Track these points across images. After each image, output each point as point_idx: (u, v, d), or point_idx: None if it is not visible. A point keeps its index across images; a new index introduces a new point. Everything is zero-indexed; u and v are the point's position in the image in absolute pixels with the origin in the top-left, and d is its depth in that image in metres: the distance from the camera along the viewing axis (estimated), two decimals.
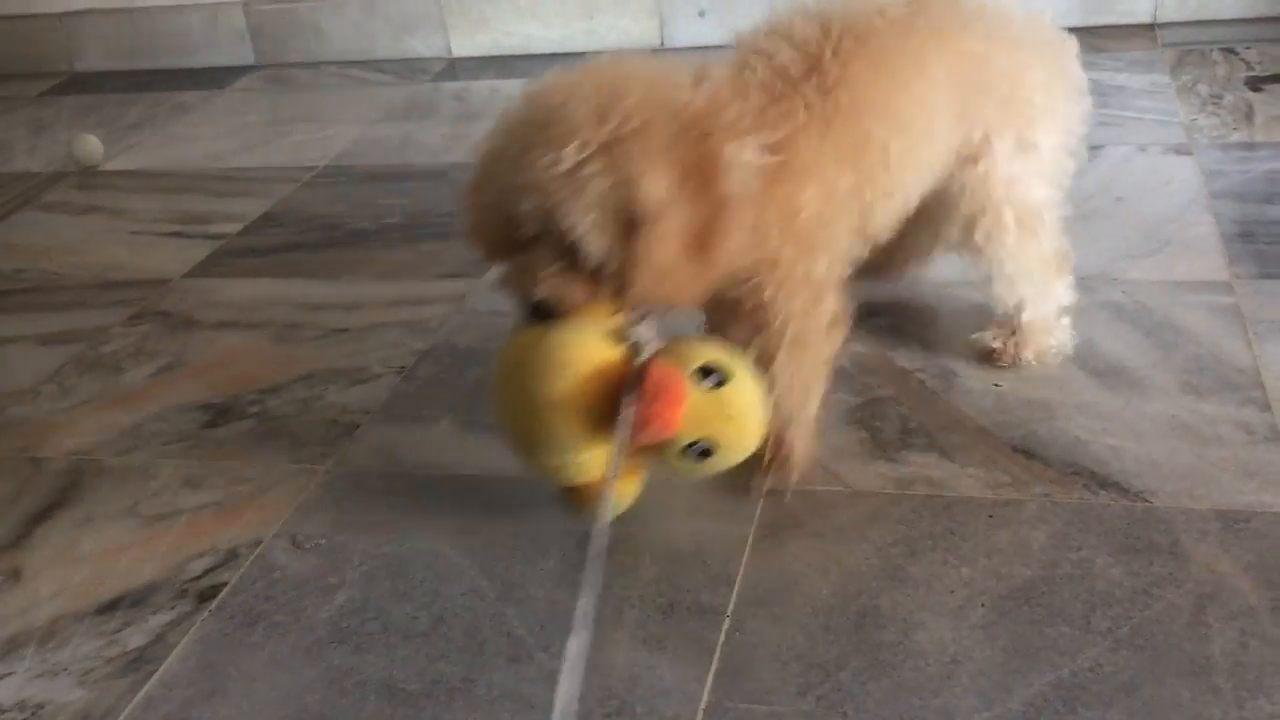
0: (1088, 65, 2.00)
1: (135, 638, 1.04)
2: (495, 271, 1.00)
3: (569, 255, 0.93)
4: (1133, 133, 1.76)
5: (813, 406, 1.10)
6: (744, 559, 1.04)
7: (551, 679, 0.88)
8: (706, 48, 2.38)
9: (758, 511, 1.10)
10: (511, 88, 2.31)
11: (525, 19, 2.47)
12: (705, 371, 0.96)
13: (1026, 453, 1.13)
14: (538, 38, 2.48)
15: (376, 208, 1.85)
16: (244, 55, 2.64)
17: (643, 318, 0.98)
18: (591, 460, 0.96)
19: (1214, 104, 1.82)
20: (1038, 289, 1.22)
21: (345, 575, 1.08)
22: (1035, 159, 1.16)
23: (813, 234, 1.03)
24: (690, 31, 2.40)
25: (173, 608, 1.07)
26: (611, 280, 0.94)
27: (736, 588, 1.01)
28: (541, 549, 1.08)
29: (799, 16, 1.10)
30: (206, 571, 1.11)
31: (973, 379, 1.25)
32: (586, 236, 0.91)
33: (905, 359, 1.30)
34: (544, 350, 0.96)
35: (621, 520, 1.01)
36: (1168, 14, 2.18)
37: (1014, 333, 1.25)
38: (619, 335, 0.97)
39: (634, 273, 0.92)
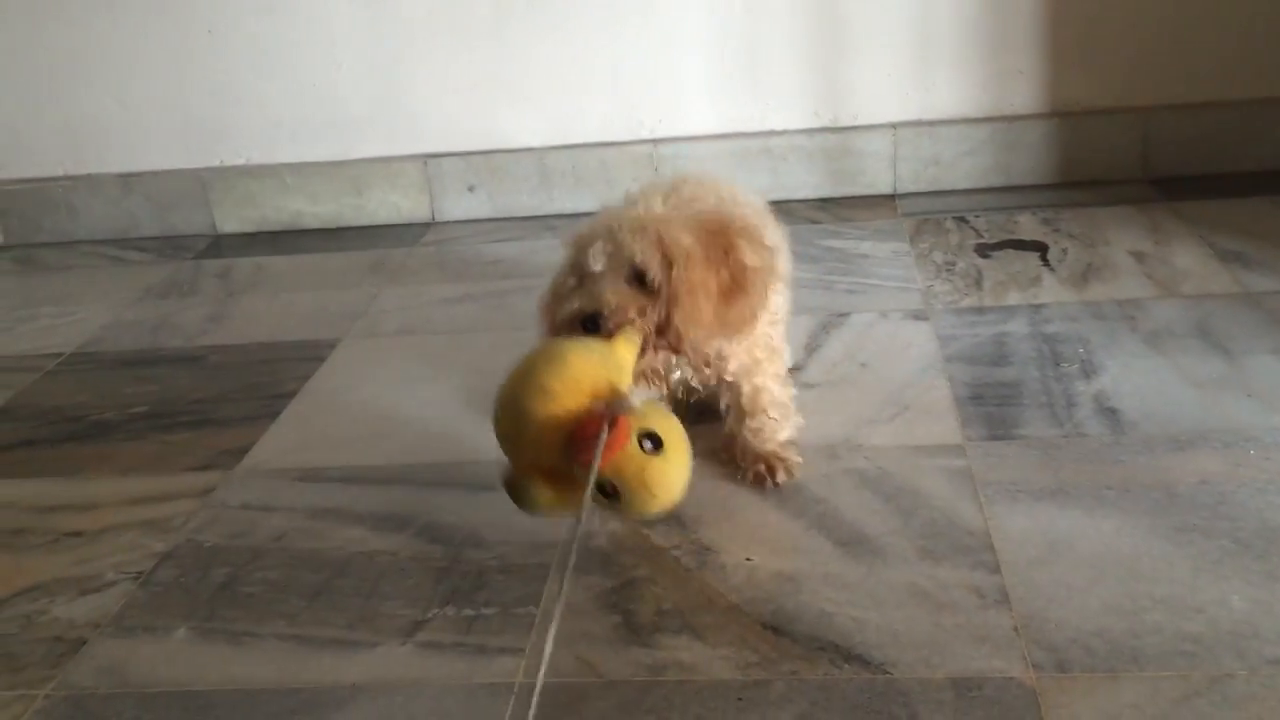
0: (836, 235, 2.15)
1: None
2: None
3: (626, 279, 1.26)
4: (876, 299, 1.86)
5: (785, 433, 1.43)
6: None
7: None
8: (477, 221, 2.41)
9: (509, 711, 1.06)
10: (279, 264, 2.28)
11: (293, 195, 2.46)
12: (648, 435, 1.11)
13: (775, 629, 1.14)
14: (307, 213, 2.47)
15: (123, 396, 1.77)
16: None
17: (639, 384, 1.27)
18: (538, 462, 1.14)
19: (948, 270, 1.95)
20: None
21: None
22: None
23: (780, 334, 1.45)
24: (460, 206, 2.43)
25: None
26: (658, 304, 1.25)
27: None
28: None
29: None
30: None
31: (726, 554, 1.26)
32: (646, 261, 1.25)
33: (662, 536, 1.30)
34: (552, 368, 1.15)
35: None
36: (905, 185, 2.34)
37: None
38: (613, 394, 1.14)
39: (674, 299, 1.25)
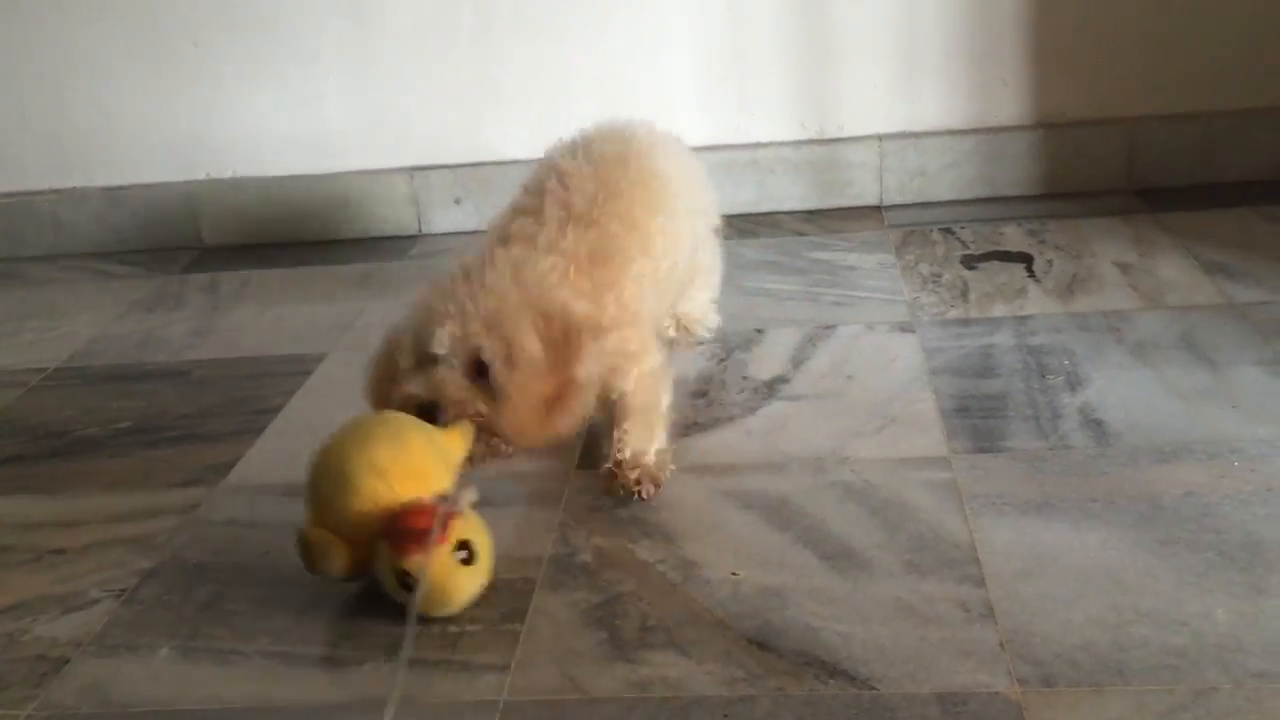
0: (822, 246, 2.15)
1: None
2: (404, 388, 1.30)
3: (468, 372, 1.29)
4: (863, 311, 1.87)
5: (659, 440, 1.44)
6: None
7: None
8: (464, 233, 2.41)
9: None
10: (265, 278, 2.28)
11: (279, 208, 2.45)
12: (464, 544, 1.18)
13: (761, 644, 1.13)
14: (293, 227, 2.46)
15: (108, 412, 1.76)
16: None
17: (465, 484, 1.22)
18: (343, 529, 1.19)
19: (934, 282, 1.95)
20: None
21: None
22: None
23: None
24: (448, 219, 2.43)
25: None
26: (491, 400, 1.29)
27: None
28: None
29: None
30: None
31: (711, 569, 1.26)
32: (490, 358, 1.28)
33: (646, 551, 1.30)
34: (388, 447, 1.20)
35: None
36: (892, 196, 2.34)
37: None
38: (446, 492, 1.19)
39: (509, 404, 1.29)
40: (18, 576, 1.36)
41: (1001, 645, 1.09)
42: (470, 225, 2.42)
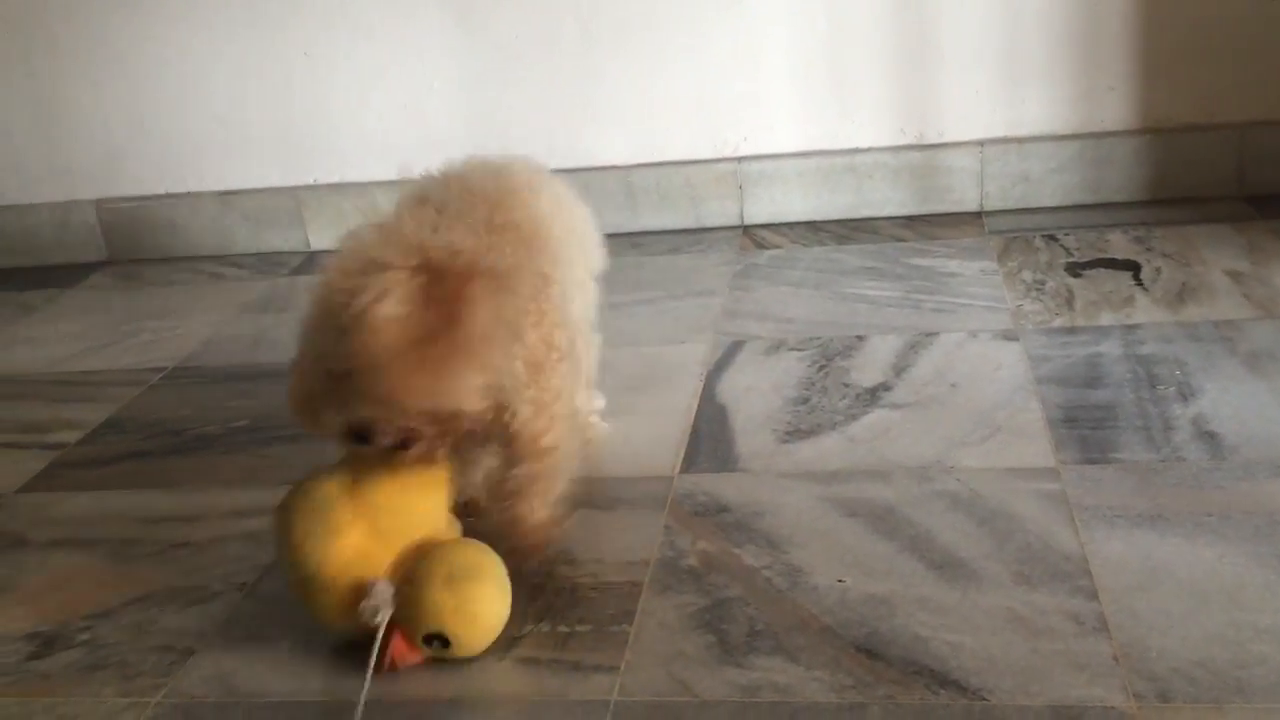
0: (923, 253, 2.14)
1: None
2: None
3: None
4: (965, 319, 1.85)
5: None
6: None
7: None
8: None
9: None
10: None
11: (383, 212, 2.50)
12: (431, 639, 1.16)
13: (869, 652, 1.14)
14: None
15: (225, 410, 1.82)
16: (95, 252, 2.62)
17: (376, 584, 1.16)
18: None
19: (1038, 289, 1.93)
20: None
21: None
22: None
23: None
24: None
25: None
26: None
27: None
28: None
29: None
30: None
31: (817, 575, 1.26)
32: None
33: (752, 556, 1.31)
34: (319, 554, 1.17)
35: None
36: (993, 202, 2.32)
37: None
38: (361, 610, 1.15)
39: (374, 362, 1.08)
40: (145, 568, 1.42)
41: (1116, 659, 1.08)
42: None
